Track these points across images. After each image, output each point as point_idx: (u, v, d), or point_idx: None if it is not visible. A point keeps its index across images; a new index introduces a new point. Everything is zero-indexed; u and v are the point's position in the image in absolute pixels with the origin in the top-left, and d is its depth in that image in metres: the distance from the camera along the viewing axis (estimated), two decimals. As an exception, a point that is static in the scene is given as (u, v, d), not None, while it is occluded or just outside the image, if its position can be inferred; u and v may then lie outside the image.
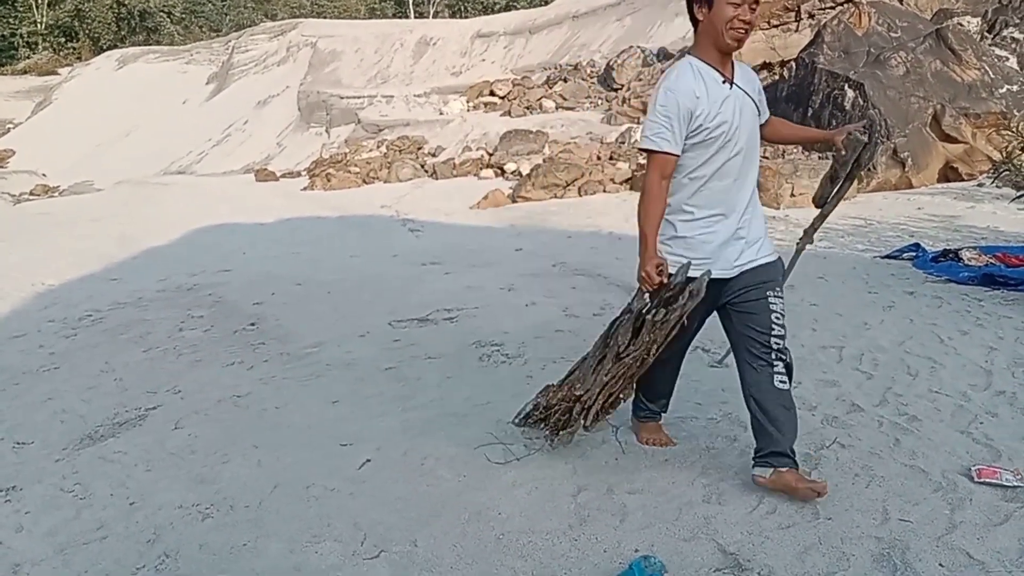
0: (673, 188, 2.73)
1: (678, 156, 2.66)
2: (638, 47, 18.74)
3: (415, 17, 40.66)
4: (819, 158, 10.31)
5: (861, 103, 10.43)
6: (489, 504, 2.89)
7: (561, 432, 3.12)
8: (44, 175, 21.47)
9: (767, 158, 10.60)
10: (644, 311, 2.75)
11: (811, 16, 14.11)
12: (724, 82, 2.65)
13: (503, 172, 14.20)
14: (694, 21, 2.69)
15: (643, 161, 14.21)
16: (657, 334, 2.74)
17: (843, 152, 2.87)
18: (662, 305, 2.70)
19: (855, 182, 2.86)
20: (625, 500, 2.85)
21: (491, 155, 15.18)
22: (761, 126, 2.85)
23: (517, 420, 3.24)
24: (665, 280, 2.65)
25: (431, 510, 2.89)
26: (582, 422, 3.06)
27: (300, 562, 2.63)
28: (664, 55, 18.04)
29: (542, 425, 3.18)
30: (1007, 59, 11.47)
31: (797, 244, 3.23)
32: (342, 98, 21.92)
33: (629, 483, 2.96)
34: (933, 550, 2.43)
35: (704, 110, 2.60)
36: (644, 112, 16.18)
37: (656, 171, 2.68)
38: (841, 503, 2.72)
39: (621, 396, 3.10)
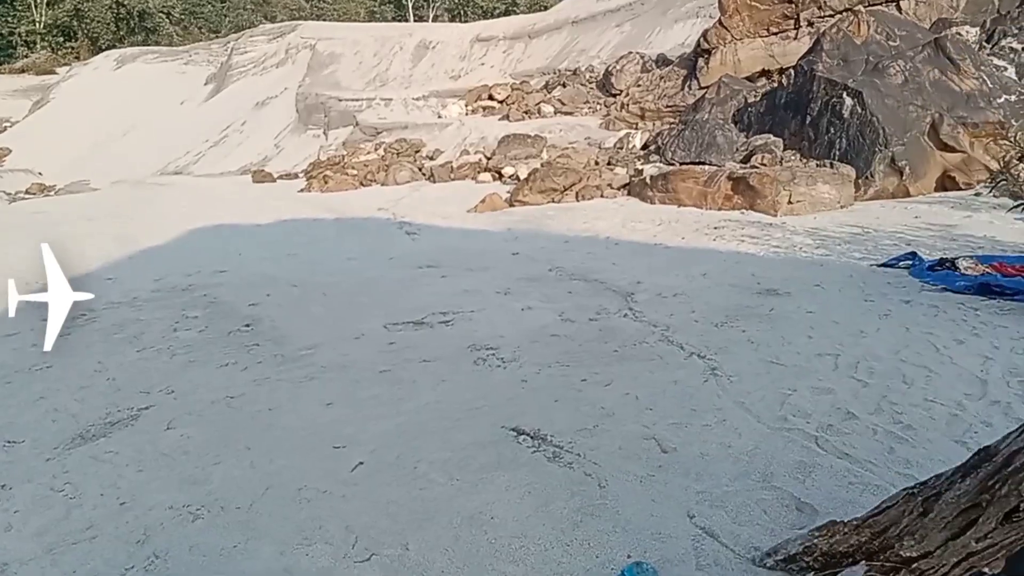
0: None
1: None
2: (637, 53, 18.80)
3: (414, 21, 40.74)
4: (816, 165, 10.31)
5: (859, 111, 10.46)
6: (482, 508, 2.88)
7: None
8: (40, 174, 21.43)
9: (764, 165, 10.60)
10: None
11: (810, 24, 14.17)
12: None
13: (501, 176, 14.22)
14: None
15: (641, 167, 14.04)
16: None
17: None
18: None
19: None
20: (618, 506, 2.84)
21: (489, 159, 15.20)
22: None
23: (771, 561, 2.39)
24: None
25: (424, 514, 2.88)
26: None
27: (291, 564, 2.62)
28: (663, 61, 18.06)
29: (810, 575, 2.30)
30: (1005, 69, 11.49)
31: None
32: (340, 100, 21.95)
33: (623, 489, 2.95)
34: (927, 559, 2.42)
35: None
36: (642, 118, 16.33)
37: None
38: (835, 511, 2.70)
39: (986, 570, 1.92)
